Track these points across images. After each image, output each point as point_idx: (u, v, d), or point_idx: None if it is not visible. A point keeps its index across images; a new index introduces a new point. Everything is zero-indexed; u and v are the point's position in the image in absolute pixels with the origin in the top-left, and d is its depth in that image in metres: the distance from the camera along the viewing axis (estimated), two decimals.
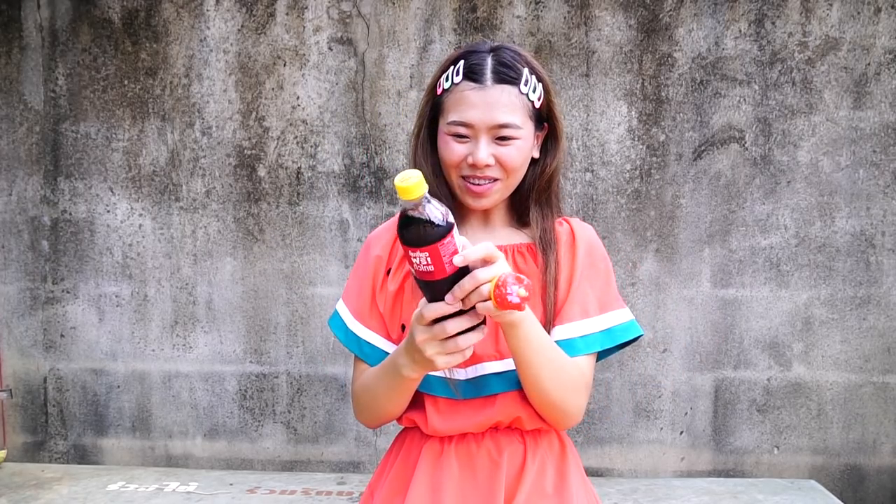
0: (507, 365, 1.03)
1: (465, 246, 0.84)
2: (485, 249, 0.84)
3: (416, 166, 1.11)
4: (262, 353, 2.60)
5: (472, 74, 1.03)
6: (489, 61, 1.03)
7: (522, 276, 0.83)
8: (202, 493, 2.33)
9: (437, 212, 0.82)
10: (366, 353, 1.11)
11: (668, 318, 2.50)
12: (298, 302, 2.57)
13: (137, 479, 2.44)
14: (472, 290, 0.83)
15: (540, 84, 1.06)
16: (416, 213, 0.82)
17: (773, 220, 2.47)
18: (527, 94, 1.04)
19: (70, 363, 2.66)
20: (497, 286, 0.82)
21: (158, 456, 2.66)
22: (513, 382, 1.04)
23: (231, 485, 2.40)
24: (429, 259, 0.82)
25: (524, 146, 1.05)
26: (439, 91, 1.07)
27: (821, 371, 2.49)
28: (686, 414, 2.53)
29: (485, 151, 1.02)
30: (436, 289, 0.85)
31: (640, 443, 2.54)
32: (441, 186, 1.10)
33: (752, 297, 2.48)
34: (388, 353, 1.08)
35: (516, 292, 0.81)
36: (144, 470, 2.57)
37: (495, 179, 1.05)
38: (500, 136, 1.02)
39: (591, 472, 2.52)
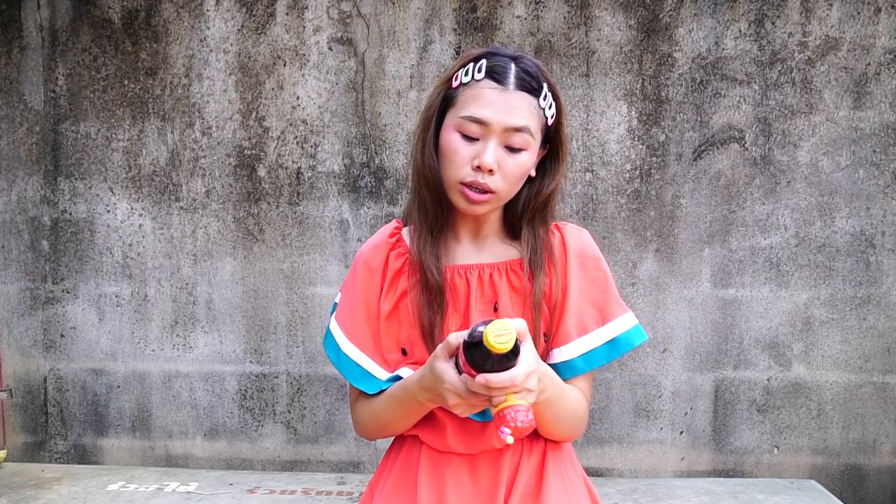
0: None
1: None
2: (509, 380, 0.85)
3: (423, 163, 1.06)
4: (262, 353, 2.60)
5: (496, 75, 1.00)
6: (513, 66, 1.01)
7: (524, 423, 0.84)
8: (202, 493, 2.33)
9: (516, 357, 0.86)
10: (355, 377, 1.09)
11: (668, 318, 2.50)
12: (298, 302, 2.57)
13: (137, 479, 2.44)
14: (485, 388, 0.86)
15: (555, 103, 1.05)
16: (495, 350, 0.84)
17: (773, 220, 2.47)
18: (544, 109, 1.02)
19: (70, 363, 2.66)
20: (500, 412, 0.85)
21: (158, 456, 2.66)
22: None
23: (231, 485, 2.41)
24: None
25: (528, 161, 1.03)
26: (455, 84, 1.03)
27: (821, 371, 2.49)
28: (686, 414, 2.53)
29: (492, 155, 0.99)
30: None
31: (640, 443, 2.54)
32: (439, 185, 1.06)
33: (752, 297, 2.48)
34: (379, 380, 1.07)
35: (506, 434, 0.85)
36: (144, 470, 2.57)
37: (494, 191, 1.01)
38: (510, 145, 1.00)
39: (591, 472, 2.52)
